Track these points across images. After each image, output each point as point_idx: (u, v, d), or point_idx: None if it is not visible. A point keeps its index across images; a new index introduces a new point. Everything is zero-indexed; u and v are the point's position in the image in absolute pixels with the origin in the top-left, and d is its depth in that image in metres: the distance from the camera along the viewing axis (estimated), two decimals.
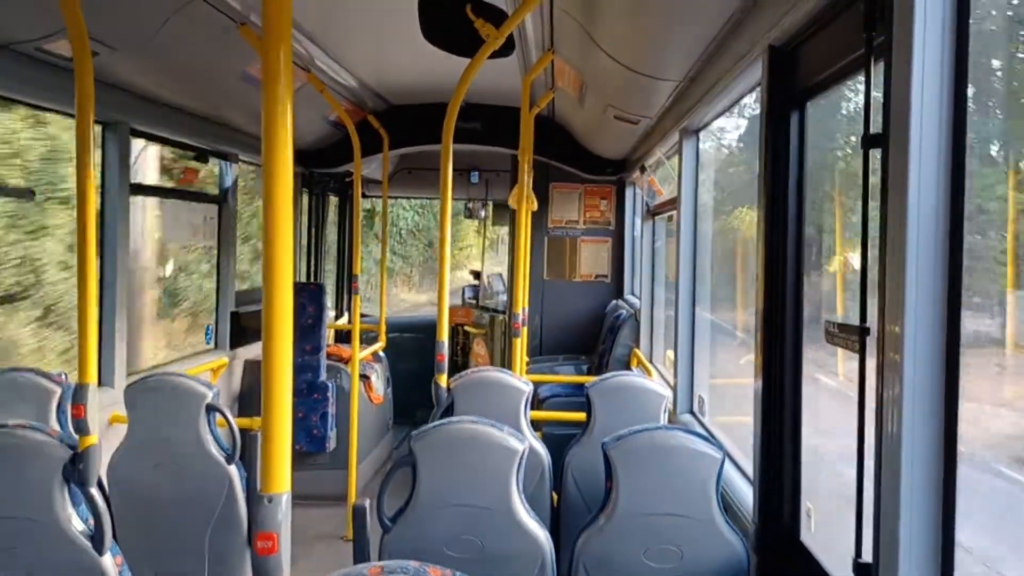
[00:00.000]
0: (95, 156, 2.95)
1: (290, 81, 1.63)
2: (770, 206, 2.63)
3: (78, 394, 2.81)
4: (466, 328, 8.66)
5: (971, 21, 1.64)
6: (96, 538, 2.49)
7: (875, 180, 1.84)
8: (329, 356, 6.33)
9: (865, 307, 1.89)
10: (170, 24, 3.79)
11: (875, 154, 1.83)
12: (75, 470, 2.51)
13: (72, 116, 3.04)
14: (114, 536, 2.70)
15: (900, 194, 1.68)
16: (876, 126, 1.83)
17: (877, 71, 1.84)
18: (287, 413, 1.61)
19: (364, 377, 6.48)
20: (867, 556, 1.85)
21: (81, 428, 2.80)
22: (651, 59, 3.77)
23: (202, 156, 5.52)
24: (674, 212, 4.66)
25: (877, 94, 1.83)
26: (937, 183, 1.65)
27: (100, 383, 4.53)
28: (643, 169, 5.92)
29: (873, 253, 1.84)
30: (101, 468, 3.51)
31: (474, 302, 8.95)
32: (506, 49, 3.82)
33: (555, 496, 3.69)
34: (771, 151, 2.62)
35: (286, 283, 1.60)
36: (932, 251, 1.65)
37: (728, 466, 3.39)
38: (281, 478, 1.61)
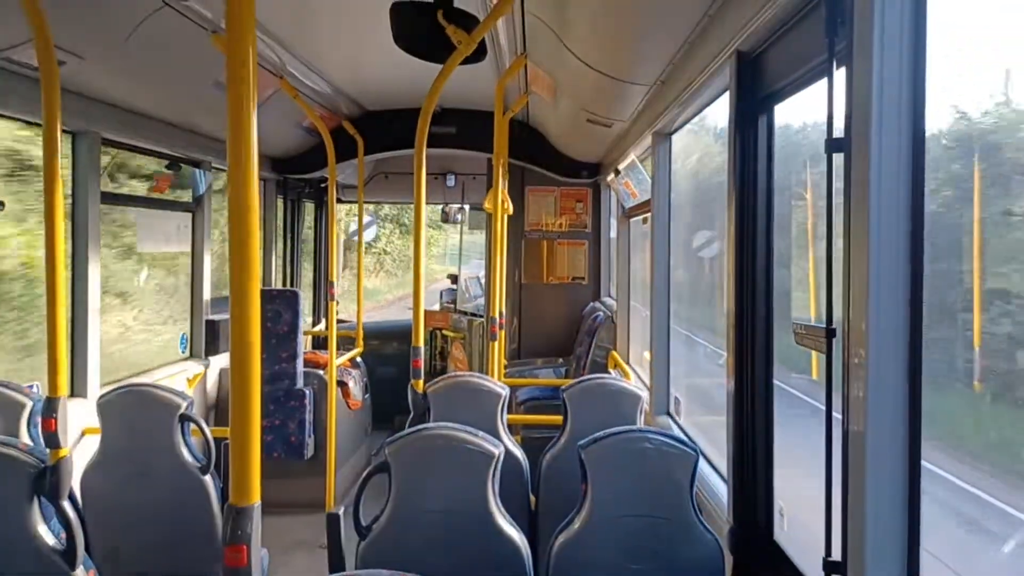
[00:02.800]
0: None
1: (255, 84, 1.62)
2: (739, 209, 2.66)
3: (48, 407, 2.78)
4: (444, 332, 8.66)
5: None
6: (68, 552, 2.47)
7: (839, 184, 1.87)
8: (306, 363, 6.29)
9: (831, 309, 1.92)
10: (139, 33, 3.76)
11: (839, 158, 1.86)
12: (46, 484, 2.48)
13: (40, 126, 3.01)
14: (87, 550, 2.67)
15: (862, 197, 1.71)
16: (839, 131, 1.86)
17: (839, 76, 1.87)
18: (256, 422, 1.61)
19: (342, 383, 6.45)
20: (836, 554, 1.87)
21: (52, 441, 2.76)
22: (622, 63, 3.80)
23: (174, 164, 5.48)
24: (648, 214, 4.69)
25: (840, 99, 1.86)
26: (898, 186, 1.68)
27: (73, 394, 4.49)
28: (617, 172, 5.95)
29: (838, 255, 1.87)
30: (74, 481, 3.48)
31: (452, 306, 8.95)
32: (479, 54, 3.82)
33: (533, 499, 3.70)
34: (739, 154, 2.65)
35: (253, 290, 1.60)
36: (894, 253, 1.68)
37: (705, 467, 3.43)
38: (251, 489, 1.60)
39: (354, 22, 4.41)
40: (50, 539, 2.49)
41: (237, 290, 1.60)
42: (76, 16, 3.47)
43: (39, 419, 3.38)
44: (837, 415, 1.88)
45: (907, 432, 1.70)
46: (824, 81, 1.94)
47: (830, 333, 1.91)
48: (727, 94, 2.85)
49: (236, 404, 1.59)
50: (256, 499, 1.61)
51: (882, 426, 1.70)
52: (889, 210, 1.68)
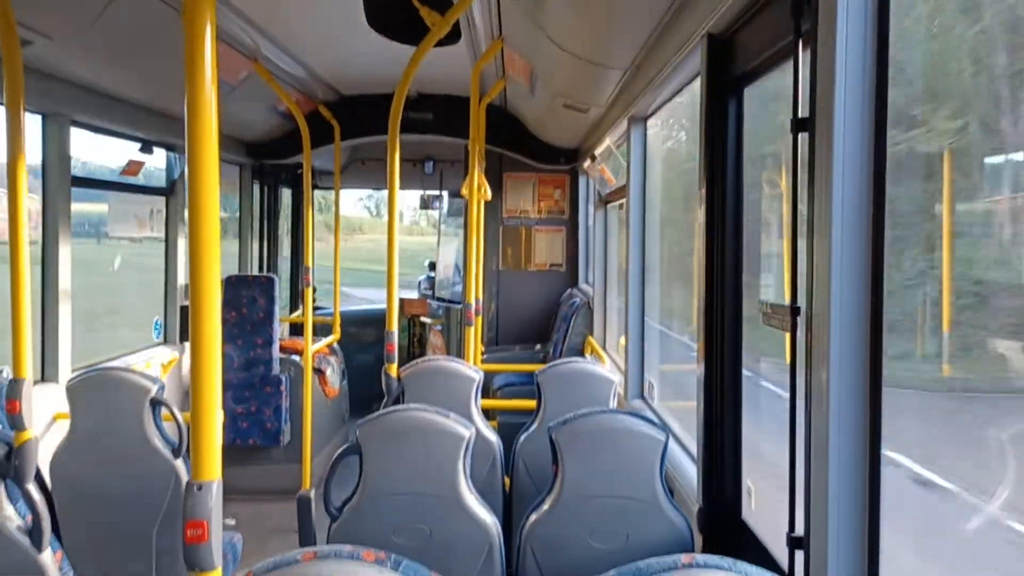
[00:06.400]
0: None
1: (215, 61, 1.60)
2: (710, 192, 2.67)
3: (12, 389, 2.75)
4: (422, 319, 8.64)
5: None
6: (34, 534, 2.45)
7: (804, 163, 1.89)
8: (283, 350, 6.27)
9: (796, 287, 1.94)
10: (109, 13, 3.70)
11: (804, 138, 1.87)
12: (11, 466, 2.46)
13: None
14: (56, 533, 2.65)
15: (826, 176, 1.72)
16: (805, 111, 1.87)
17: (805, 56, 1.88)
18: (215, 399, 1.60)
19: (319, 371, 6.43)
20: (800, 530, 1.90)
21: (16, 423, 2.73)
22: (597, 47, 3.79)
23: (147, 147, 5.42)
24: (623, 200, 4.70)
25: (806, 79, 1.87)
26: (861, 165, 1.69)
27: (44, 378, 4.44)
28: (594, 158, 5.96)
29: (803, 233, 1.88)
30: (44, 464, 3.45)
31: (430, 293, 8.95)
32: (453, 37, 3.80)
33: (508, 482, 3.71)
34: (710, 137, 2.66)
35: (212, 273, 1.59)
36: (856, 232, 1.69)
37: (676, 449, 3.45)
38: (211, 465, 1.60)
39: (329, 3, 4.37)
40: (16, 521, 2.46)
41: (196, 272, 1.59)
42: None
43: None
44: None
45: (868, 410, 1.72)
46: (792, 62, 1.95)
47: (795, 312, 1.92)
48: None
49: (196, 380, 1.58)
50: (216, 476, 1.61)
51: (843, 404, 1.72)
52: (852, 189, 1.69)
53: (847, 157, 1.70)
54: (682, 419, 3.92)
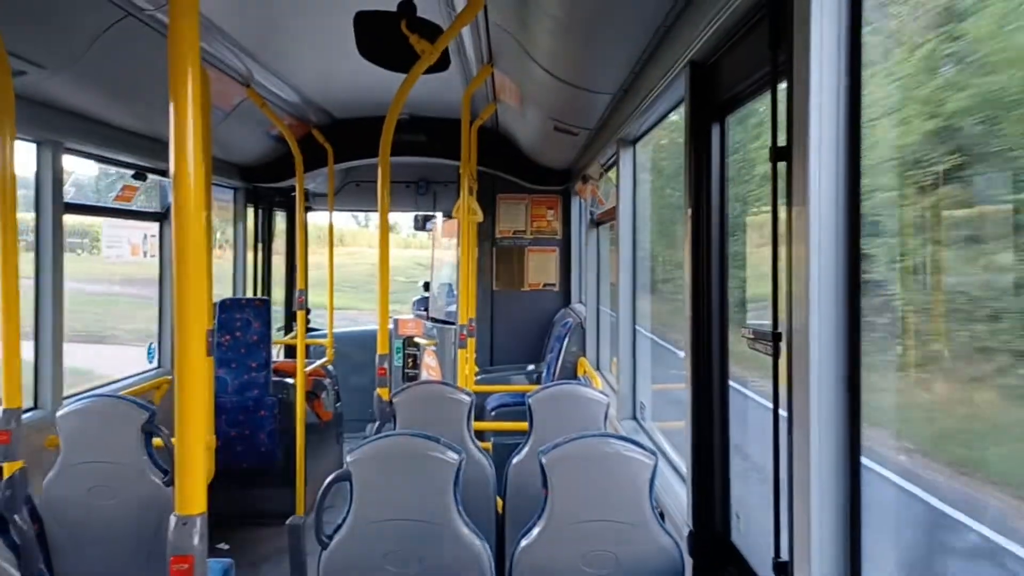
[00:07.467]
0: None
1: (199, 85, 1.62)
2: (695, 216, 2.70)
3: (4, 419, 2.75)
4: (417, 340, 8.64)
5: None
6: (24, 565, 2.45)
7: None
8: (276, 372, 6.26)
9: (777, 313, 1.96)
10: (102, 43, 3.74)
11: (783, 167, 1.90)
12: (1, 497, 2.46)
13: None
14: (48, 562, 2.65)
15: (803, 204, 1.75)
16: (784, 141, 1.90)
17: (781, 87, 1.92)
18: (200, 431, 1.61)
19: (312, 393, 6.42)
20: (784, 555, 1.91)
21: (7, 454, 2.73)
22: (585, 73, 3.84)
23: (140, 174, 5.44)
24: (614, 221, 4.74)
25: (784, 109, 1.90)
26: (836, 193, 1.73)
27: (36, 405, 4.44)
28: (585, 179, 6.00)
29: (783, 261, 1.91)
30: (36, 494, 3.44)
31: (424, 314, 8.95)
32: (442, 64, 3.84)
33: (501, 505, 3.71)
34: (695, 162, 2.69)
35: (199, 297, 1.60)
36: (833, 258, 1.72)
37: (668, 471, 3.46)
38: (196, 499, 1.60)
39: (322, 30, 4.42)
40: (5, 552, 2.46)
41: (182, 298, 1.60)
42: (37, 26, 3.45)
43: None
44: None
45: (848, 435, 1.74)
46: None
47: (776, 337, 1.95)
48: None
49: (181, 413, 1.59)
50: (202, 509, 1.61)
51: (824, 429, 1.74)
52: (828, 217, 1.73)
53: (823, 184, 1.73)
54: (674, 438, 3.94)
